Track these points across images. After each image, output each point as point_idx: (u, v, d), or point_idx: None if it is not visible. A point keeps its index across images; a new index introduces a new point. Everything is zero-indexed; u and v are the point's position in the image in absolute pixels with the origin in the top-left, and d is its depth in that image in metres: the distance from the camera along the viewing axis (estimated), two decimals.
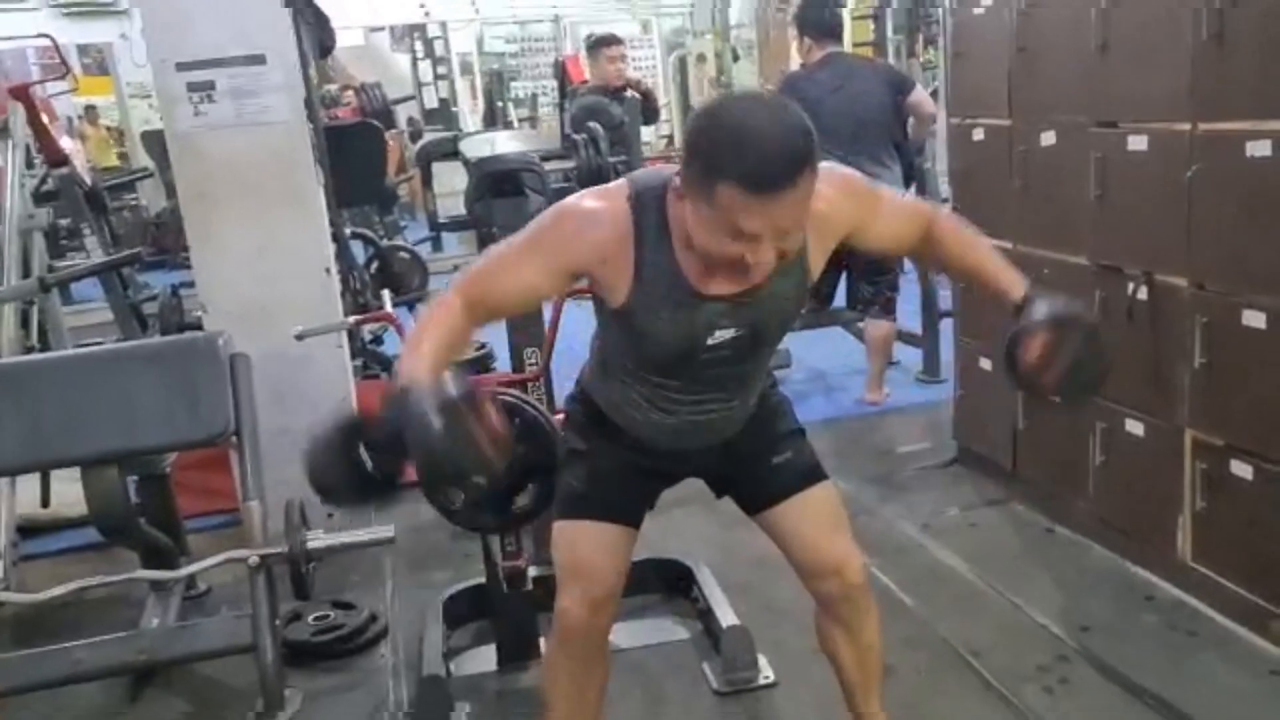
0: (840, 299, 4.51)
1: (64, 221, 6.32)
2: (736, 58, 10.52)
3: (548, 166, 3.76)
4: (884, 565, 3.00)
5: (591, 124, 4.42)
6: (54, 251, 7.49)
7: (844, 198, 1.69)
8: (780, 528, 1.93)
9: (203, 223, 3.23)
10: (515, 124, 8.89)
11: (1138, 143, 2.63)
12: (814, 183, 1.47)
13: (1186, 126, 2.48)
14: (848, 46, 8.63)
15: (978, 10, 3.22)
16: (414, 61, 11.82)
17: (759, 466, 1.93)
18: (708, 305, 1.64)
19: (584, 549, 1.85)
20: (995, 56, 3.13)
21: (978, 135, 3.29)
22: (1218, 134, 2.41)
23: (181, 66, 3.10)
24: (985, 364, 3.41)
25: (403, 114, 10.43)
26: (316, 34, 3.39)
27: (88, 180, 5.93)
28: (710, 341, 1.68)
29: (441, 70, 11.79)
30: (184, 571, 2.57)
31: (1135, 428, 2.78)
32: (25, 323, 4.39)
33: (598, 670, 1.94)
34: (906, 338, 4.70)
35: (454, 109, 11.26)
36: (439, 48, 11.81)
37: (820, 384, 4.67)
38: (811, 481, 1.93)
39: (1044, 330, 1.67)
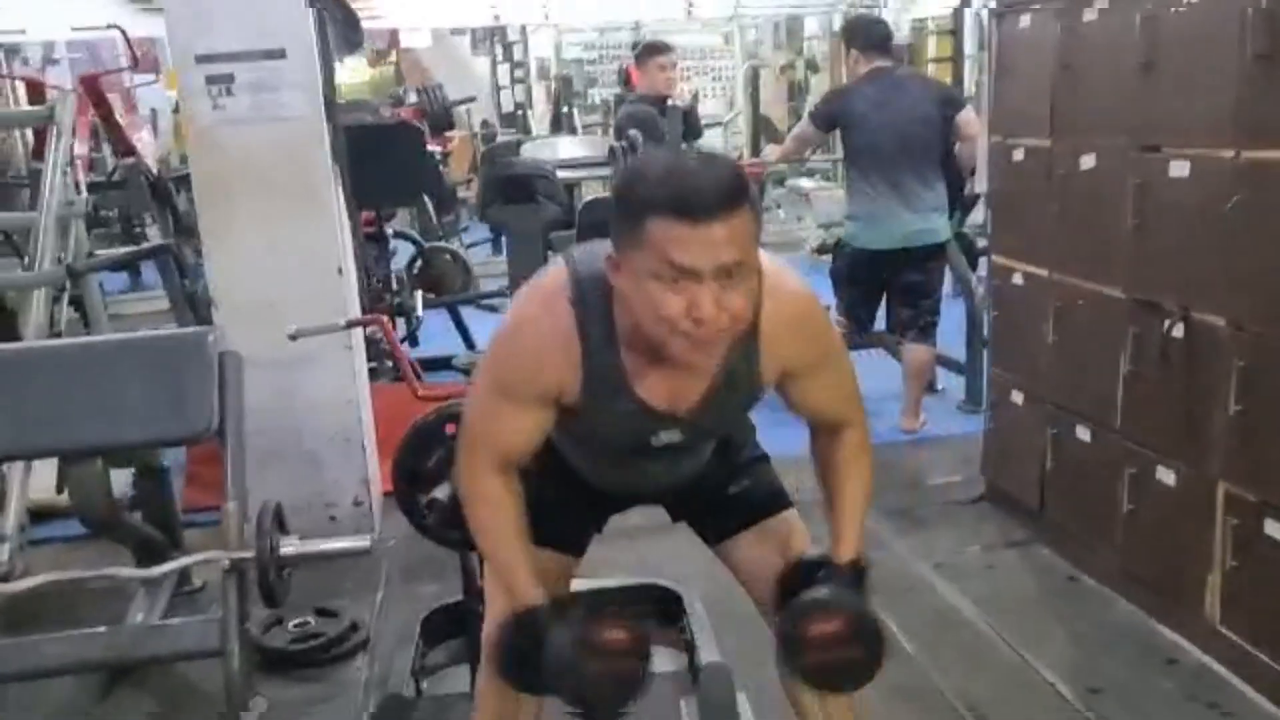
0: (881, 322, 4.35)
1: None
2: (816, 70, 10.36)
3: (594, 173, 3.68)
4: (889, 606, 2.80)
5: (632, 132, 4.35)
6: (124, 239, 7.72)
7: (801, 339, 1.58)
8: (737, 560, 1.83)
9: (217, 217, 3.21)
10: (580, 130, 8.84)
11: (1179, 169, 2.44)
12: (751, 226, 1.38)
13: (1230, 153, 2.29)
14: (929, 62, 8.48)
15: (1023, 24, 3.04)
16: (493, 65, 11.87)
17: (715, 496, 1.83)
18: (650, 416, 1.57)
19: None
20: (1039, 73, 2.95)
21: (1018, 155, 3.10)
22: (1262, 162, 2.21)
23: (201, 59, 3.08)
24: (1017, 397, 3.22)
25: (477, 116, 10.50)
26: (343, 31, 3.36)
27: (154, 170, 6.01)
28: (656, 444, 1.62)
29: (519, 75, 11.82)
30: (156, 570, 2.51)
31: (1166, 476, 2.57)
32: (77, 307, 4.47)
33: (529, 702, 1.83)
34: (950, 364, 4.51)
35: (528, 113, 11.26)
36: (518, 52, 11.84)
37: None
38: (772, 511, 1.81)
39: (836, 618, 1.54)
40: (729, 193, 1.34)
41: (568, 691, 1.53)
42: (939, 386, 4.67)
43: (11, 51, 9.74)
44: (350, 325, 2.73)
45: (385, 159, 4.02)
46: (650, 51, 4.89)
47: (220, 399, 2.58)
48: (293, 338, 2.76)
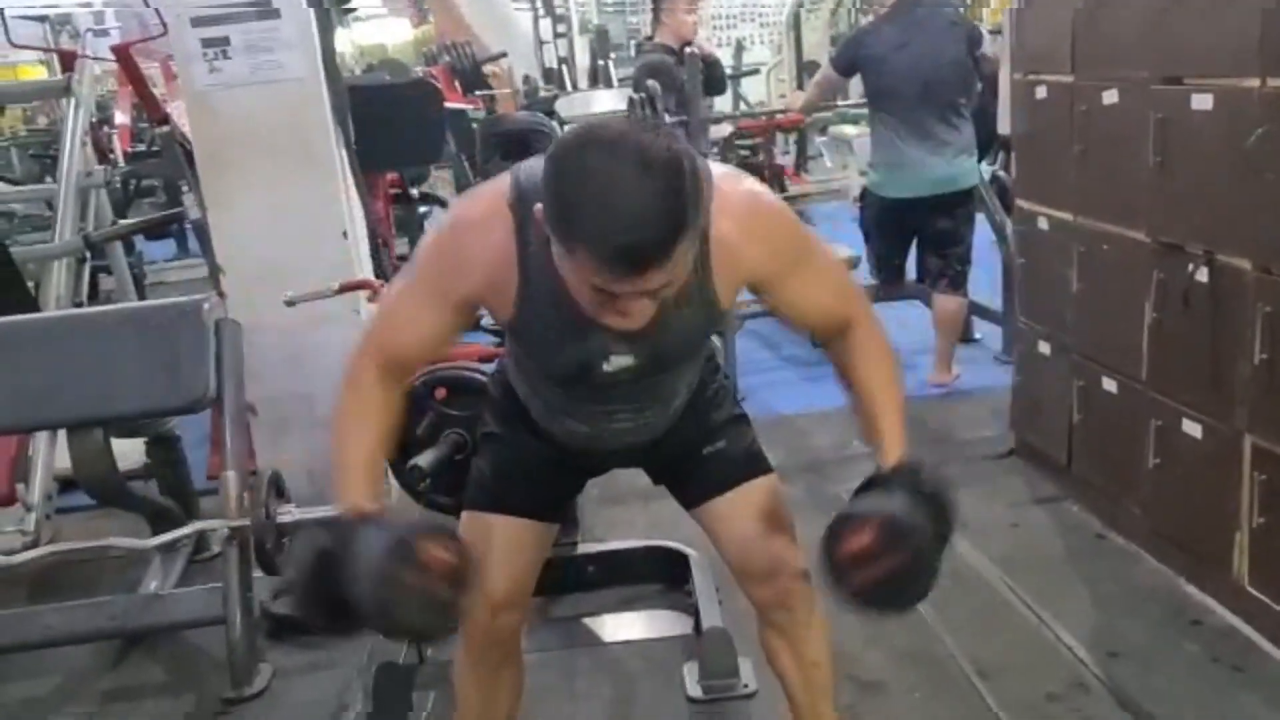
0: (912, 271, 4.21)
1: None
2: (870, 9, 10.04)
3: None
4: None
5: (650, 83, 4.23)
6: (169, 205, 7.79)
7: (756, 241, 1.47)
8: (712, 524, 1.76)
9: (218, 183, 3.17)
10: (616, 83, 8.70)
11: (1202, 102, 2.28)
12: (686, 251, 1.27)
13: (1255, 83, 2.13)
14: None
15: None
16: (534, 19, 11.72)
17: (689, 457, 1.75)
18: (597, 332, 1.43)
19: (486, 547, 1.70)
20: (1060, 4, 2.79)
21: (1040, 93, 2.95)
22: None
23: (196, 22, 3.03)
24: (1044, 348, 3.09)
25: (519, 71, 10.39)
26: None
27: (189, 138, 6.03)
28: (607, 368, 1.51)
29: (561, 29, 11.66)
30: (153, 541, 2.53)
31: (1192, 429, 2.44)
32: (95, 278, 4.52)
33: (506, 674, 1.79)
34: (986, 314, 4.36)
35: (572, 67, 11.11)
36: (559, 5, 11.67)
37: None
38: (749, 475, 1.74)
39: (876, 530, 1.39)
40: (664, 245, 1.22)
41: (364, 602, 1.33)
42: (976, 336, 4.52)
43: (61, 22, 9.88)
44: (343, 290, 2.68)
45: (398, 121, 3.94)
46: None
47: (218, 367, 2.58)
48: (289, 303, 2.74)
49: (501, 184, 1.45)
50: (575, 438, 1.69)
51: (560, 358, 1.52)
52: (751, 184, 1.55)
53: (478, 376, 2.37)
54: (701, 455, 1.74)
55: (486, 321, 2.56)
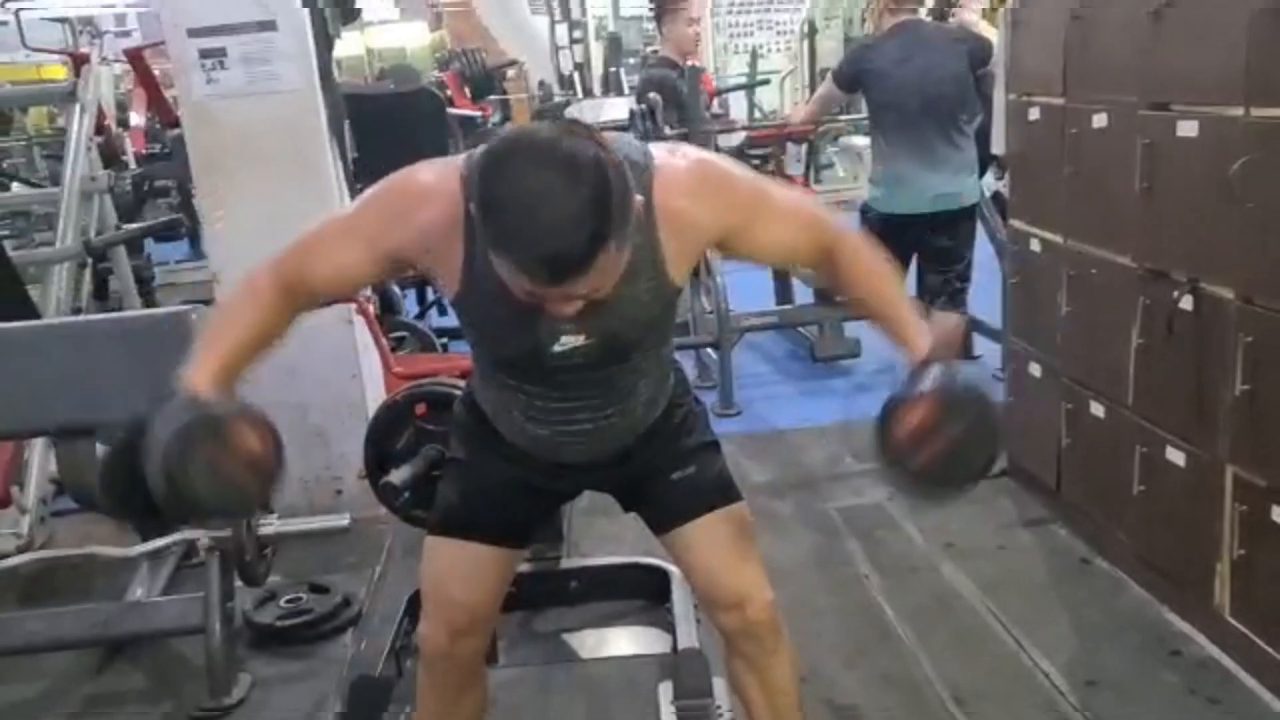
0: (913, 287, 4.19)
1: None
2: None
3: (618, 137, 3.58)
4: (888, 589, 2.74)
5: (652, 95, 4.24)
6: (182, 208, 7.85)
7: (706, 201, 1.47)
8: (681, 552, 1.75)
9: (214, 192, 3.20)
10: (627, 90, 8.69)
11: (1188, 128, 2.27)
12: (610, 253, 1.27)
13: (1239, 111, 2.11)
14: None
15: None
16: (551, 24, 11.75)
17: (658, 482, 1.74)
18: (545, 314, 1.41)
19: (449, 573, 1.71)
20: (1052, 25, 2.77)
21: (1033, 115, 2.93)
22: (1273, 121, 2.04)
23: (193, 33, 3.06)
24: (1035, 369, 3.07)
25: (534, 77, 10.41)
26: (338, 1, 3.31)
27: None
28: (557, 348, 1.48)
29: (577, 35, 11.68)
30: (134, 550, 2.54)
31: (1176, 457, 2.42)
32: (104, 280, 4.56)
33: (468, 698, 1.80)
34: (987, 331, 4.34)
35: (587, 74, 11.13)
36: (576, 10, 11.69)
37: (887, 377, 4.34)
38: (718, 503, 1.72)
39: (930, 403, 1.39)
40: (584, 256, 1.24)
41: (152, 473, 1.32)
42: (977, 354, 4.50)
43: (84, 24, 9.97)
44: (326, 303, 2.69)
45: (400, 129, 3.97)
46: (670, 2, 4.66)
47: None
48: None
49: (457, 160, 1.46)
50: (538, 445, 1.65)
51: (510, 338, 1.50)
52: (691, 150, 1.55)
53: (456, 393, 2.37)
54: (670, 480, 1.73)
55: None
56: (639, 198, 1.35)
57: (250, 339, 1.49)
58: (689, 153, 1.52)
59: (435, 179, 1.46)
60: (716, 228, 1.49)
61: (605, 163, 1.24)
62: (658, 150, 1.48)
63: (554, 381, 1.56)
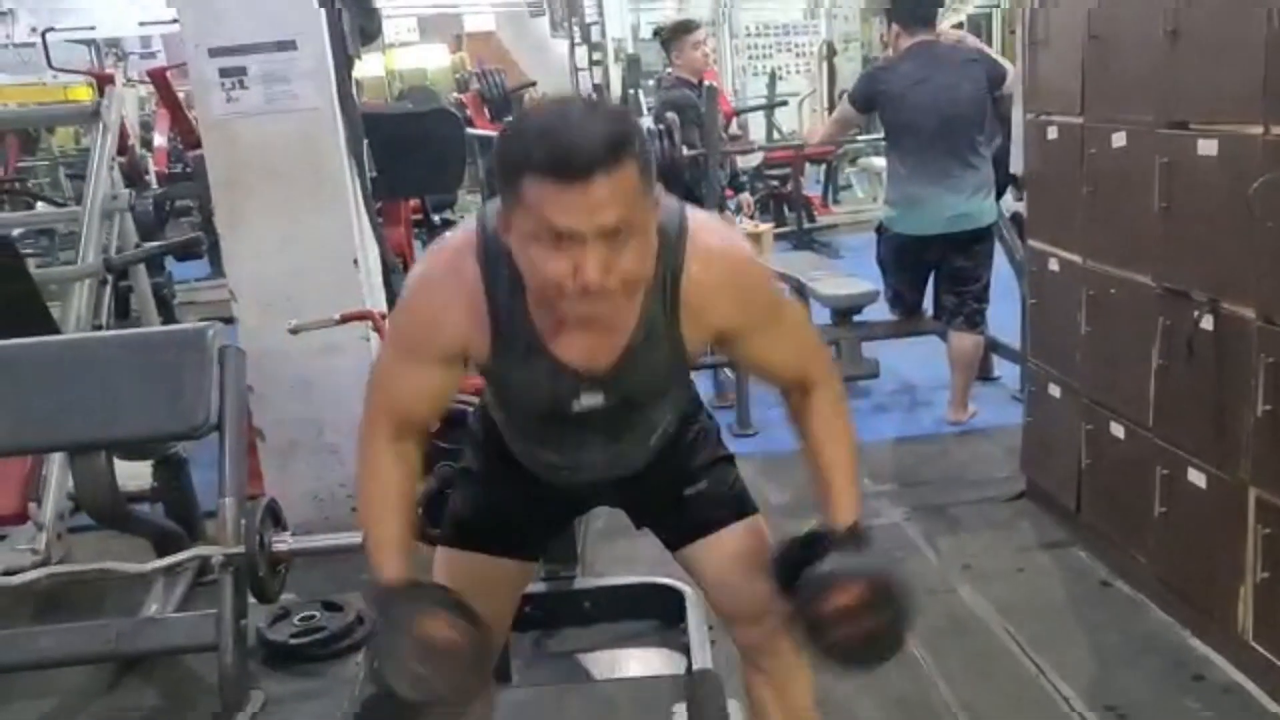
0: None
1: None
2: None
3: None
4: None
5: (669, 115, 4.24)
6: (204, 226, 7.92)
7: (730, 294, 1.46)
8: (696, 568, 1.74)
9: (232, 210, 3.21)
10: (646, 111, 8.74)
11: (1207, 147, 2.25)
12: (637, 180, 1.27)
13: (1259, 130, 2.09)
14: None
15: None
16: (571, 47, 11.83)
17: (670, 499, 1.73)
18: (567, 376, 1.46)
19: (459, 585, 1.68)
20: (1070, 45, 2.76)
21: (1051, 134, 2.92)
22: None
23: (214, 52, 3.08)
24: (1055, 390, 3.05)
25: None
26: (359, 21, 3.33)
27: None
28: (577, 408, 1.51)
29: (597, 56, 11.74)
30: (148, 566, 2.54)
31: (1198, 479, 2.39)
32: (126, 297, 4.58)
33: (474, 712, 1.78)
34: (1006, 351, 4.31)
35: (602, 95, 11.18)
36: (595, 33, 11.76)
37: (905, 398, 4.33)
38: (733, 517, 1.72)
39: (861, 590, 1.40)
40: (608, 147, 1.23)
41: (384, 676, 1.39)
42: (996, 375, 4.47)
43: (110, 45, 10.08)
44: (344, 320, 2.71)
45: (419, 149, 3.98)
46: (680, 31, 4.69)
47: (220, 394, 2.60)
48: (293, 332, 2.78)
49: (468, 234, 1.46)
50: (550, 469, 1.67)
51: (532, 396, 1.52)
52: (729, 234, 1.56)
53: (470, 410, 2.37)
54: (682, 497, 1.73)
55: None
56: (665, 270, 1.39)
57: (398, 504, 1.52)
58: (725, 233, 1.53)
59: (446, 269, 1.46)
60: (727, 323, 1.49)
61: (627, 110, 1.29)
62: (696, 215, 1.46)
63: (572, 430, 1.59)
